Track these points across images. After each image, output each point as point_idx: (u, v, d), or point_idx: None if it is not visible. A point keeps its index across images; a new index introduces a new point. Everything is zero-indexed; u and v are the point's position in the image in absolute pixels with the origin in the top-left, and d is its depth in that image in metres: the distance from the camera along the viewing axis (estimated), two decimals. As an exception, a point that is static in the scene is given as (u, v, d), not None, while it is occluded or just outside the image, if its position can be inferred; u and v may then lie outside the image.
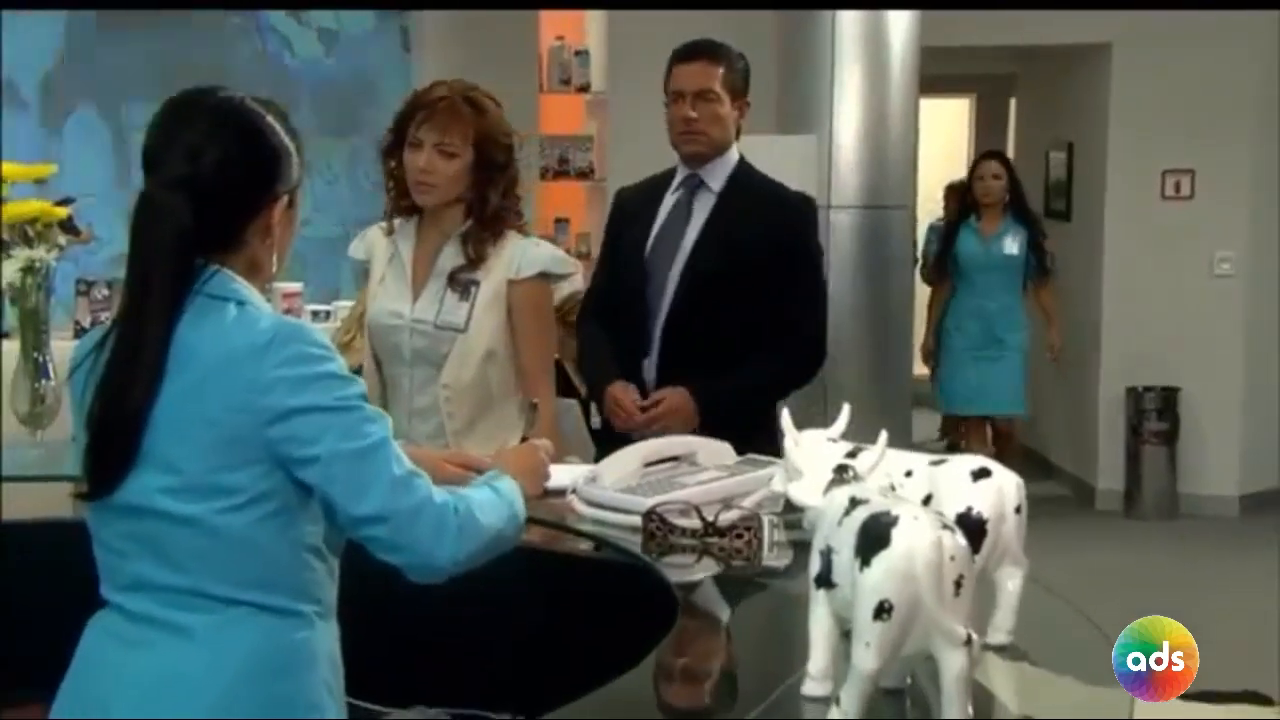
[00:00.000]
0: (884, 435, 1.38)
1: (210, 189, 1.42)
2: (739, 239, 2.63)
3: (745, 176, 2.73)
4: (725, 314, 2.61)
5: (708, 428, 2.42)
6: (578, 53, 6.13)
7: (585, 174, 6.18)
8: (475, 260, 2.40)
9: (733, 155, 2.72)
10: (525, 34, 5.88)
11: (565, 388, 4.20)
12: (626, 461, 2.08)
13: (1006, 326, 5.49)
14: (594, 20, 6.26)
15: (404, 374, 2.45)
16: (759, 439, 2.24)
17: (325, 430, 1.38)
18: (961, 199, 5.65)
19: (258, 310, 1.44)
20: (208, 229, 1.42)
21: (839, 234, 4.99)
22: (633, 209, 2.79)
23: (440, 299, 2.41)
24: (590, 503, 2.02)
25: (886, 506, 1.21)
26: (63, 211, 2.30)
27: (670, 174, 2.77)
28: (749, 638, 1.73)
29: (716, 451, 2.19)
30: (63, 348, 2.49)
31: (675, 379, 2.61)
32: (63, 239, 2.31)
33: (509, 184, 2.42)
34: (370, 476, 1.38)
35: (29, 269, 2.24)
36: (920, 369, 6.04)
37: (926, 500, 1.41)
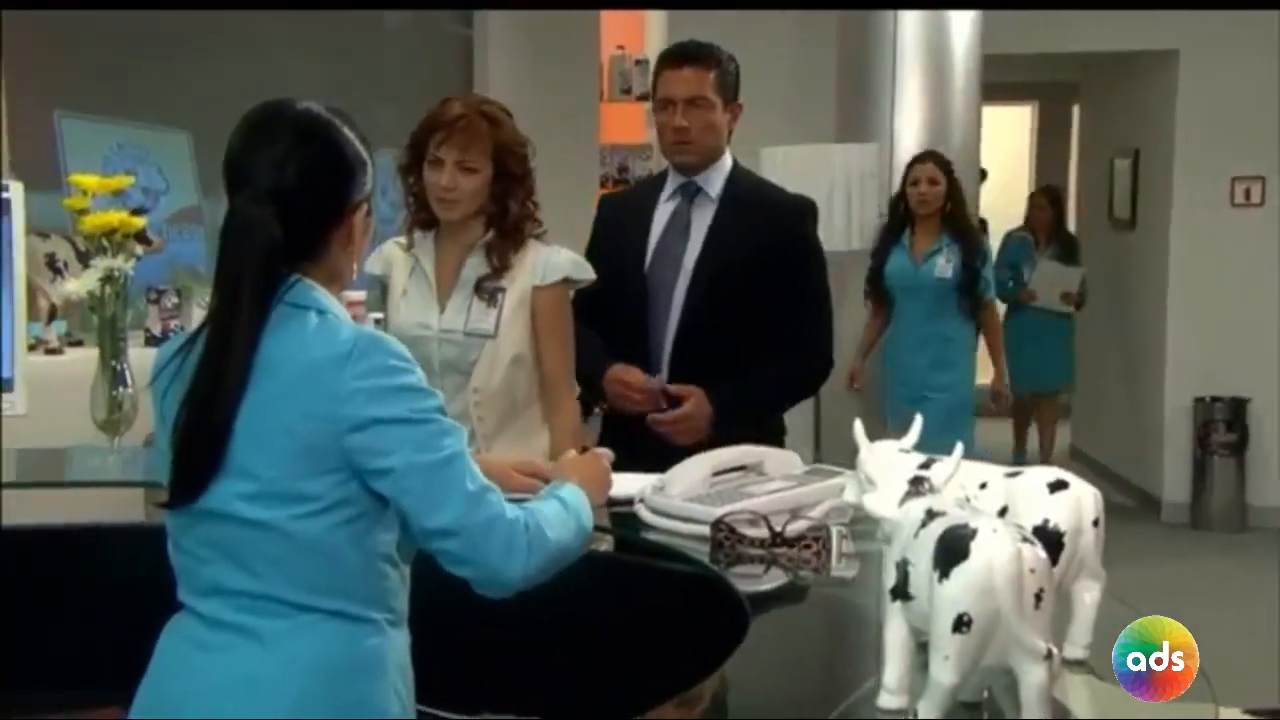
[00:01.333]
0: (959, 446, 1.37)
1: (298, 201, 1.44)
2: (743, 248, 2.57)
3: (743, 181, 2.66)
4: (736, 325, 2.56)
5: (719, 434, 2.38)
6: (638, 61, 6.16)
7: (645, 183, 6.21)
8: (500, 269, 2.44)
9: (727, 160, 2.65)
10: (586, 43, 5.91)
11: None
12: (694, 471, 2.08)
13: (940, 363, 4.58)
14: (654, 29, 6.29)
15: (433, 384, 2.45)
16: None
17: (401, 442, 1.40)
18: (894, 209, 4.74)
19: (338, 320, 1.46)
20: (295, 240, 1.45)
21: (900, 242, 4.96)
22: (622, 218, 2.71)
23: (467, 308, 2.45)
24: (657, 512, 2.02)
25: (965, 519, 1.20)
26: (140, 222, 2.35)
27: (659, 179, 2.70)
28: (817, 648, 1.73)
29: (784, 461, 2.19)
30: (136, 355, 2.55)
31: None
32: (139, 249, 2.36)
33: (526, 192, 2.45)
34: (444, 490, 1.40)
35: (108, 278, 2.29)
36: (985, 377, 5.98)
37: (1002, 512, 1.40)
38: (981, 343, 4.79)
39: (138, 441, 2.59)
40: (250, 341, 1.40)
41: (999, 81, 6.15)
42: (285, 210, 1.43)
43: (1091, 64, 7.00)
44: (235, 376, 1.40)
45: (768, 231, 2.58)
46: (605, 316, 2.64)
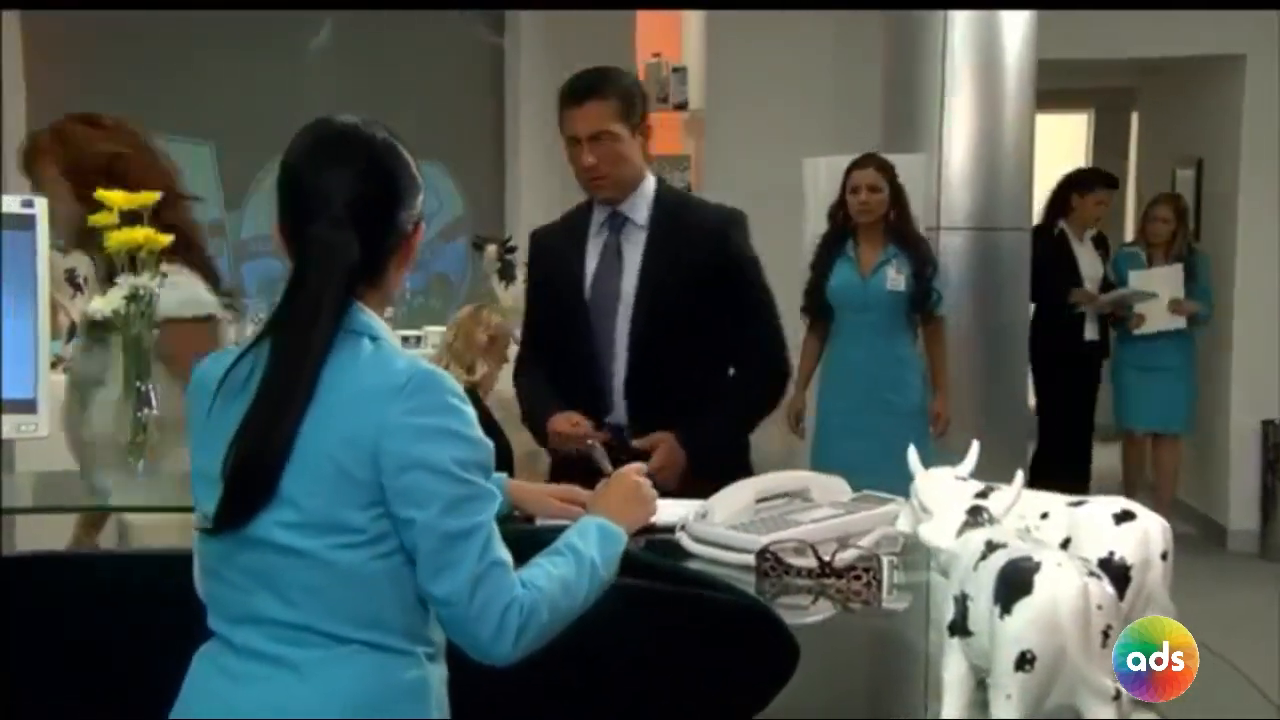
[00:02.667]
0: (1020, 475, 1.37)
1: (374, 224, 1.48)
2: (678, 270, 2.60)
3: (668, 202, 2.69)
4: (683, 347, 2.58)
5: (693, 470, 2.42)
6: (675, 69, 6.19)
7: (682, 196, 6.23)
8: None
9: (649, 184, 2.67)
10: (620, 50, 5.93)
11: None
12: (738, 497, 2.09)
13: (892, 384, 4.37)
14: (692, 36, 6.32)
15: None
16: (737, 474, 2.24)
17: (431, 498, 1.41)
18: (833, 217, 4.54)
19: (393, 349, 1.49)
20: (367, 265, 1.48)
21: (949, 257, 4.94)
22: (555, 254, 2.73)
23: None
24: (700, 540, 2.02)
25: (1027, 551, 1.20)
26: (167, 238, 2.38)
27: (586, 209, 2.72)
28: (867, 684, 1.73)
29: (831, 487, 2.19)
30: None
31: (647, 429, 2.57)
32: (165, 266, 2.39)
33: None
34: (452, 561, 1.42)
35: (133, 297, 2.32)
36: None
37: (1065, 544, 1.40)
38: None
39: (160, 465, 2.61)
40: (317, 367, 1.43)
41: (1053, 88, 6.14)
42: (362, 235, 1.47)
43: (1151, 69, 6.97)
44: (298, 405, 1.42)
45: (700, 249, 2.62)
46: (554, 355, 2.69)
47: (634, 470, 1.85)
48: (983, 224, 4.94)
